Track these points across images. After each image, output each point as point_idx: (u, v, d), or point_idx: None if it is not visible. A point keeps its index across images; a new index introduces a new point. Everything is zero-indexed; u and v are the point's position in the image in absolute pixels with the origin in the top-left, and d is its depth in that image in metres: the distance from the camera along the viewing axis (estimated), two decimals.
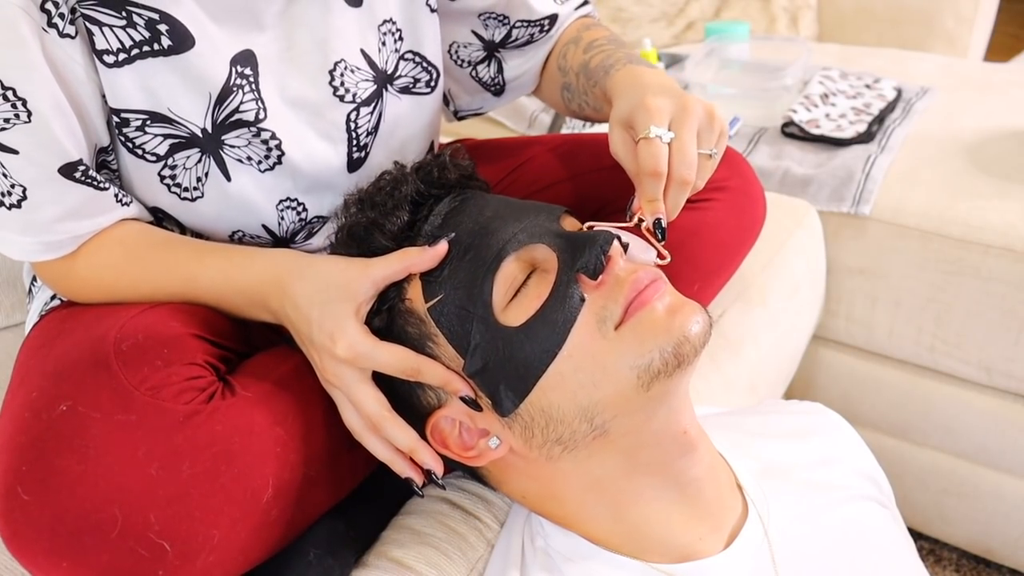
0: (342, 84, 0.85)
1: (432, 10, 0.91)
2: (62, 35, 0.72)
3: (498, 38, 0.99)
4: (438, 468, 0.72)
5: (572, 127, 1.67)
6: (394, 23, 0.89)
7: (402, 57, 0.90)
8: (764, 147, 1.53)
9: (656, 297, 0.68)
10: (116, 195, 0.80)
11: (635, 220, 0.74)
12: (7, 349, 1.08)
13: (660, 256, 0.73)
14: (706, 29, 1.88)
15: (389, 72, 0.89)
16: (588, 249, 0.68)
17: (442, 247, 0.70)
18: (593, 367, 0.66)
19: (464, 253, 0.71)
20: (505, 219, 0.72)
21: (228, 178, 0.82)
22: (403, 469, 0.73)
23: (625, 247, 0.72)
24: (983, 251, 1.31)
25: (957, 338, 1.37)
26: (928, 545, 1.58)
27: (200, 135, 0.79)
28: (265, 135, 0.81)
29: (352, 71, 0.85)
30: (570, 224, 0.74)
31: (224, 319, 0.78)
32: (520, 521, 0.78)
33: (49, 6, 0.70)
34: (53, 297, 0.87)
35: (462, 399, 0.69)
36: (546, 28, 0.99)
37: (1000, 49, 2.69)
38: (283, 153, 0.82)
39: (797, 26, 2.17)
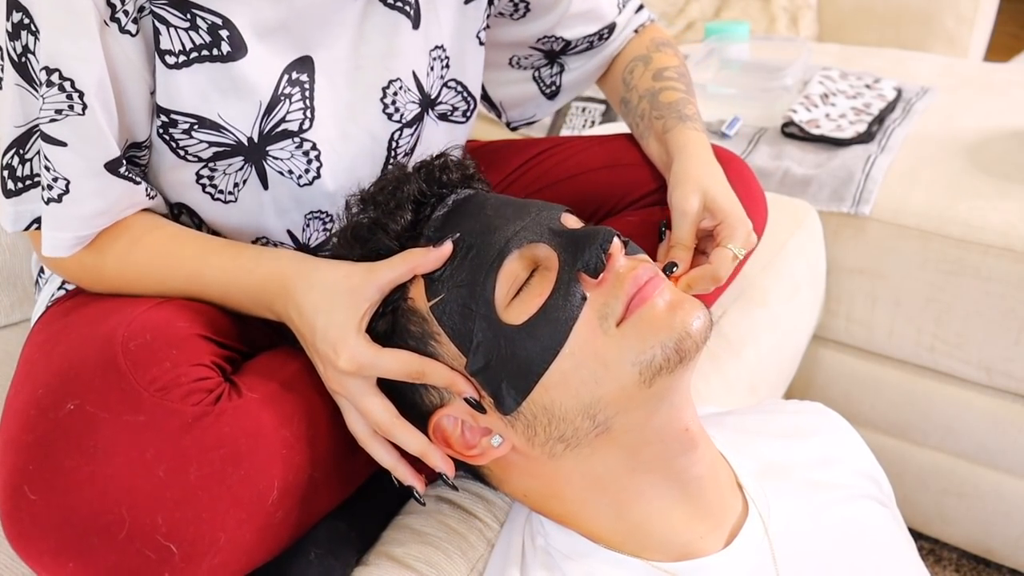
0: (393, 103, 0.86)
1: (480, 43, 0.93)
2: (123, 31, 0.72)
3: (558, 48, 1.02)
4: (449, 470, 0.72)
5: (572, 128, 1.67)
6: (444, 50, 0.90)
7: (445, 84, 0.92)
8: (764, 147, 1.53)
9: (657, 293, 0.68)
10: (146, 190, 0.80)
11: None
12: (7, 348, 1.08)
13: None
14: (706, 29, 1.88)
15: (432, 97, 0.90)
16: (588, 247, 0.68)
17: (447, 248, 0.71)
18: (595, 364, 0.66)
19: (466, 252, 0.71)
20: (507, 218, 0.72)
21: (265, 187, 0.83)
22: (405, 476, 0.73)
23: (625, 244, 0.72)
24: (983, 251, 1.31)
25: (957, 338, 1.37)
26: (928, 545, 1.58)
27: (246, 143, 0.79)
28: (307, 146, 0.81)
29: (404, 91, 0.86)
30: (571, 222, 0.74)
31: (228, 319, 0.78)
32: (520, 520, 0.78)
33: (115, 0, 0.70)
34: (60, 287, 0.87)
35: (466, 400, 0.69)
36: (605, 36, 1.02)
37: (1000, 49, 2.69)
38: (322, 165, 0.82)
39: (797, 26, 2.17)
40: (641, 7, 1.06)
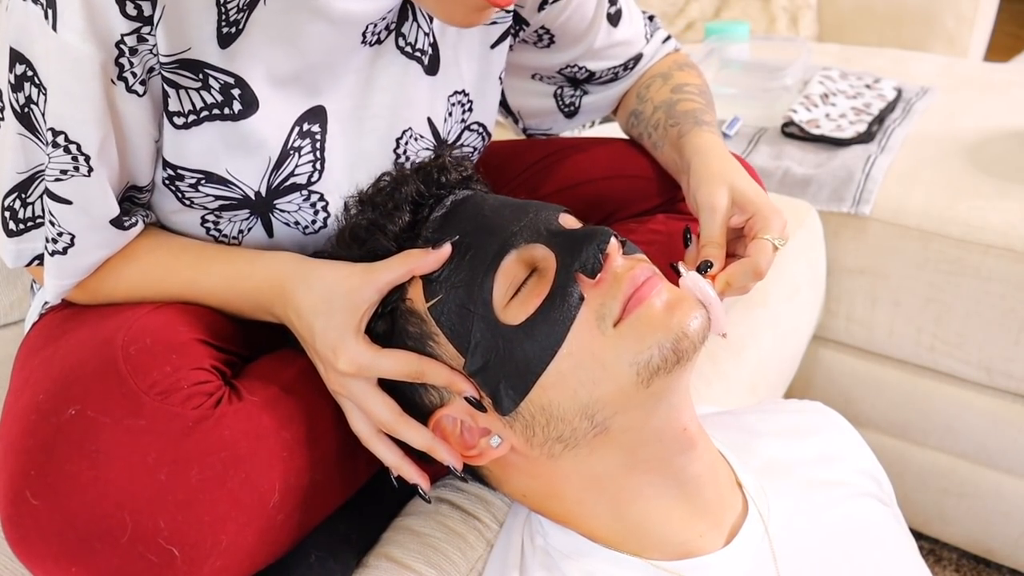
0: (404, 152, 0.85)
1: (500, 81, 0.92)
2: (129, 90, 0.71)
3: (582, 77, 1.00)
4: (457, 462, 0.71)
5: (573, 130, 1.67)
6: (466, 95, 0.89)
7: (468, 128, 0.91)
8: (764, 147, 1.53)
9: (654, 293, 0.68)
10: (143, 220, 0.79)
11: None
12: (6, 348, 1.08)
13: (726, 330, 0.73)
14: (706, 29, 1.88)
15: (451, 141, 0.90)
16: (586, 248, 0.68)
17: (446, 250, 0.71)
18: (593, 364, 0.66)
19: (464, 252, 0.71)
20: (505, 218, 0.72)
21: (270, 236, 0.82)
22: (411, 475, 0.73)
23: (623, 244, 0.72)
24: (983, 251, 1.31)
25: (957, 338, 1.37)
26: (928, 545, 1.58)
27: (253, 198, 0.79)
28: (314, 198, 0.81)
29: (416, 139, 0.86)
30: (569, 223, 0.74)
31: (228, 322, 0.78)
32: (519, 520, 0.78)
33: (123, 61, 0.69)
34: None
35: (466, 399, 0.69)
36: (630, 67, 1.01)
37: (1000, 49, 2.69)
38: (328, 215, 0.82)
39: (797, 26, 2.17)
40: (668, 38, 1.04)
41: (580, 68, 0.99)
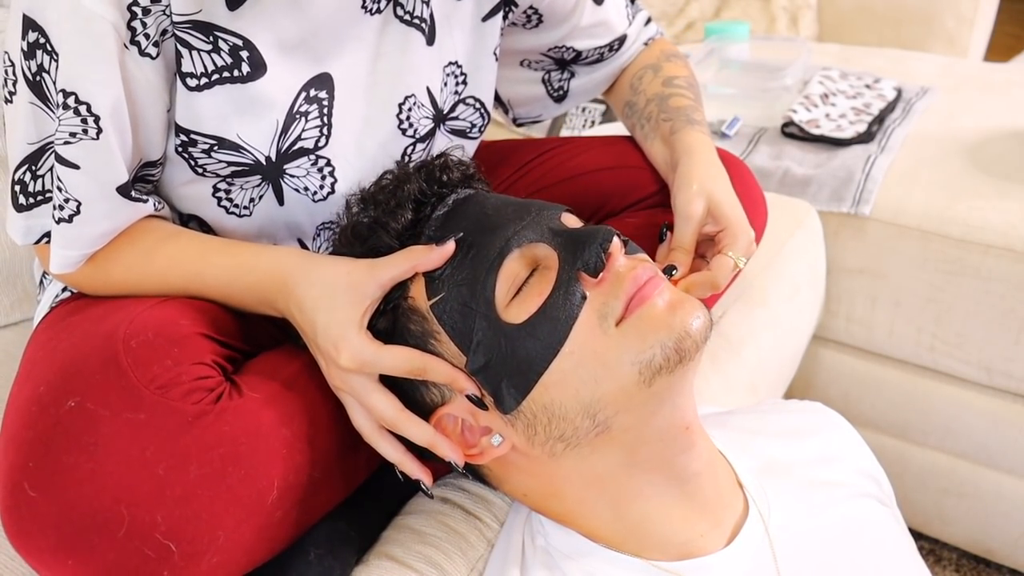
0: (408, 119, 0.86)
1: (496, 59, 0.93)
2: (142, 54, 0.72)
3: (568, 57, 1.02)
4: (459, 458, 0.71)
5: (572, 128, 1.67)
6: (459, 66, 0.90)
7: (462, 101, 0.92)
8: (764, 147, 1.53)
9: (656, 293, 0.68)
10: (155, 204, 0.80)
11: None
12: (7, 347, 1.08)
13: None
14: (706, 29, 1.88)
15: (445, 112, 0.91)
16: (588, 247, 0.68)
17: (449, 247, 0.71)
18: (595, 363, 0.66)
19: (467, 251, 0.71)
20: (507, 217, 0.72)
21: (281, 203, 0.83)
22: (413, 470, 0.73)
23: (625, 243, 0.72)
24: (983, 251, 1.31)
25: (957, 338, 1.37)
26: (928, 545, 1.58)
27: (264, 163, 0.79)
28: (321, 163, 0.82)
29: (419, 107, 0.87)
30: (571, 221, 0.75)
31: (230, 318, 0.78)
32: (520, 520, 0.78)
33: (136, 24, 0.70)
34: (64, 289, 0.87)
35: (468, 397, 0.69)
36: (615, 48, 1.03)
37: (1000, 49, 2.69)
38: (336, 180, 0.83)
39: (797, 26, 2.17)
40: (649, 20, 1.06)
41: (567, 48, 1.00)
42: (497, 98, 1.06)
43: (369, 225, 0.74)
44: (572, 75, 1.05)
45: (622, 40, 1.02)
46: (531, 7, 0.94)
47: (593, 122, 1.69)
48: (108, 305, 0.77)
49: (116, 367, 0.67)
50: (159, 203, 0.81)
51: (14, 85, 0.74)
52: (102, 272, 0.79)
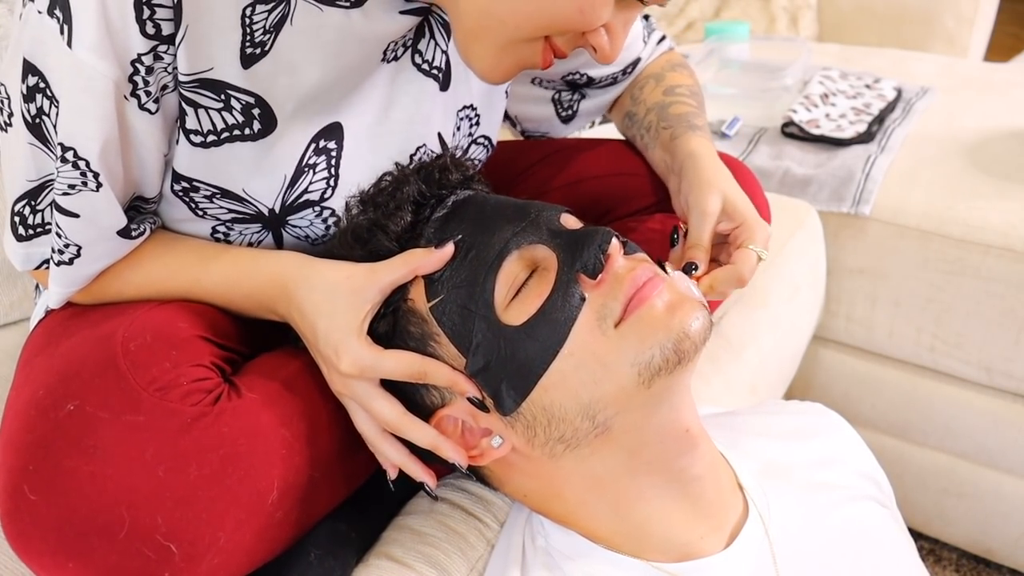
0: None
1: (506, 95, 0.93)
2: (141, 108, 0.70)
3: (582, 82, 1.01)
4: (462, 459, 0.71)
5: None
6: (474, 109, 0.90)
7: (475, 141, 0.92)
8: (764, 147, 1.53)
9: (655, 294, 0.68)
10: (150, 228, 0.79)
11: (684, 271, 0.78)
12: (7, 347, 1.08)
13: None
14: (706, 29, 1.88)
15: (458, 156, 0.90)
16: (587, 248, 0.68)
17: (448, 249, 0.71)
18: (594, 365, 0.66)
19: (466, 252, 0.71)
20: (506, 219, 0.72)
21: (279, 247, 0.82)
22: (417, 473, 0.73)
23: (624, 244, 0.72)
24: (983, 251, 1.31)
25: (957, 338, 1.37)
26: (928, 545, 1.58)
27: (267, 214, 0.79)
28: (326, 213, 0.81)
29: (428, 155, 0.86)
30: (571, 223, 0.74)
31: (229, 320, 0.78)
32: (521, 521, 0.78)
33: (138, 79, 0.69)
34: None
35: (469, 399, 0.69)
36: (629, 72, 1.02)
37: (1000, 49, 2.69)
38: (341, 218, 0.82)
39: (797, 26, 2.17)
40: (663, 39, 1.05)
41: (582, 75, 1.00)
42: (505, 113, 1.05)
43: (368, 227, 0.74)
44: (583, 96, 1.04)
45: (635, 64, 1.02)
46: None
47: (593, 123, 1.68)
48: (106, 309, 0.77)
49: (115, 370, 0.67)
50: (155, 222, 0.80)
51: (10, 118, 0.73)
52: (98, 288, 0.79)
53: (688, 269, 0.78)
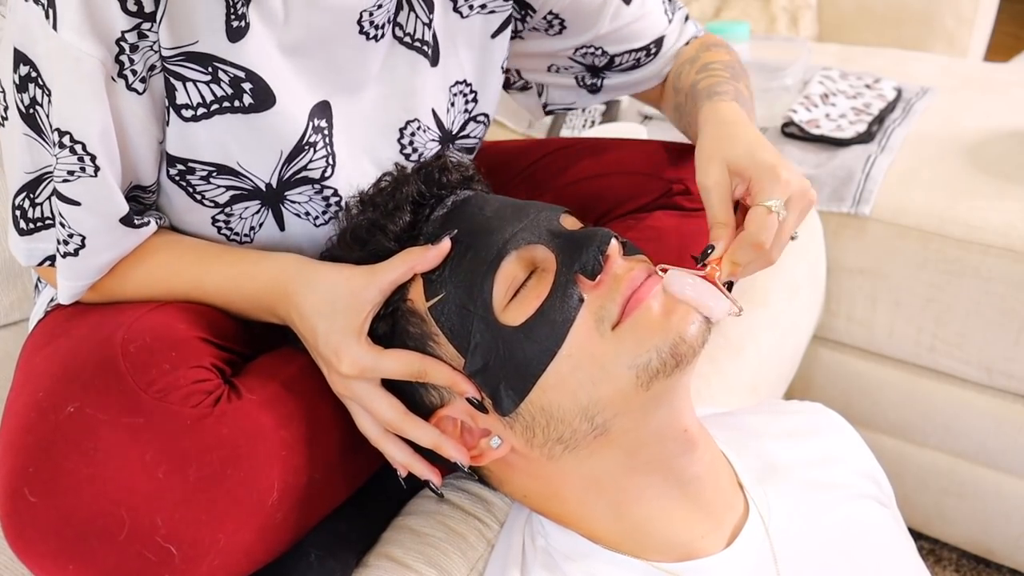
0: (411, 143, 0.86)
1: (503, 71, 0.91)
2: (129, 88, 0.71)
3: (601, 64, 0.97)
4: (464, 458, 0.71)
5: (572, 128, 1.67)
6: (468, 84, 0.89)
7: (474, 119, 0.91)
8: None
9: (651, 295, 0.68)
10: (156, 222, 0.79)
11: (708, 269, 0.71)
12: (6, 347, 1.08)
13: (734, 310, 0.70)
14: (706, 29, 1.87)
15: (455, 132, 0.90)
16: (586, 249, 0.68)
17: (445, 245, 0.71)
18: (592, 366, 0.66)
19: (465, 252, 0.71)
20: (506, 218, 0.72)
21: (282, 229, 0.83)
22: (422, 471, 0.73)
23: (624, 245, 0.72)
24: (983, 251, 1.31)
25: (957, 338, 1.37)
26: (928, 545, 1.58)
27: (264, 189, 0.79)
28: (327, 192, 0.81)
29: (423, 131, 0.86)
30: (570, 224, 0.74)
31: (229, 321, 0.78)
32: (520, 521, 0.78)
33: (123, 59, 0.70)
34: None
35: (468, 400, 0.69)
36: (652, 52, 0.96)
37: (1000, 49, 2.69)
38: (341, 210, 0.82)
39: (797, 26, 2.17)
40: (688, 18, 0.99)
41: (597, 50, 0.94)
42: (529, 84, 1.02)
43: (368, 228, 0.74)
44: (605, 78, 0.99)
45: (659, 42, 0.96)
46: (551, 12, 0.91)
47: (593, 122, 1.68)
48: (105, 309, 0.77)
49: (115, 371, 0.67)
50: (160, 219, 0.80)
51: (5, 111, 0.74)
52: (105, 286, 0.79)
53: (705, 253, 0.71)
